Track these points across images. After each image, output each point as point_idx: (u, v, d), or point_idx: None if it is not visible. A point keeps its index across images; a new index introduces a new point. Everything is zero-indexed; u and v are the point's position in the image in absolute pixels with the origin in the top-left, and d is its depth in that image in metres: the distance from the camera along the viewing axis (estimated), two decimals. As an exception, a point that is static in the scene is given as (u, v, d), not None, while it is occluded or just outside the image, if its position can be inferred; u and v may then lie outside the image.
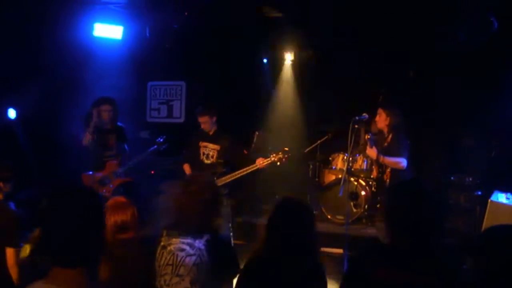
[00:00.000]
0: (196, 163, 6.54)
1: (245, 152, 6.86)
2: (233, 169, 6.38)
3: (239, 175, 6.32)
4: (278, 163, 6.19)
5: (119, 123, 6.85)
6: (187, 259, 3.04)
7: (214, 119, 6.50)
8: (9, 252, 3.81)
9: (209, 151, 6.52)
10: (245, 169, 6.24)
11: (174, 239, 3.13)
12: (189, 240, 3.08)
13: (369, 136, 6.19)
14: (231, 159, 6.46)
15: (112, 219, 3.32)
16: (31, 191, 3.83)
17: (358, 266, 2.73)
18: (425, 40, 8.56)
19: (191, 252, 3.05)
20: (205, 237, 3.09)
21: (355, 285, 2.68)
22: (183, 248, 3.07)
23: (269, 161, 6.16)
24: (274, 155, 6.18)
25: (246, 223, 8.14)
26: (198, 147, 6.58)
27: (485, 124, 8.01)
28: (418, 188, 2.72)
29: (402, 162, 5.82)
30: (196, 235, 3.09)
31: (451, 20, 7.53)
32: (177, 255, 3.07)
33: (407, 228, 2.60)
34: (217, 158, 6.47)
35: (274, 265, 2.91)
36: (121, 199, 3.54)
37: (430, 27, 8.18)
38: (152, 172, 8.49)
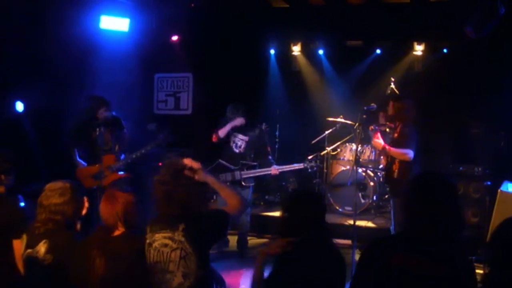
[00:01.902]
0: (227, 150, 6.80)
1: (269, 149, 7.01)
2: (261, 164, 6.79)
3: (261, 173, 6.75)
4: (310, 170, 6.83)
5: (113, 113, 6.66)
6: (173, 254, 2.97)
7: None
8: (17, 244, 3.79)
9: (238, 140, 6.79)
10: (264, 169, 6.71)
11: (156, 235, 3.06)
12: (169, 234, 3.01)
13: (372, 127, 6.16)
14: (256, 151, 6.81)
15: (100, 206, 3.28)
16: (38, 184, 3.80)
17: (373, 251, 2.71)
18: (432, 32, 8.53)
19: (174, 246, 2.98)
20: (181, 227, 3.00)
21: (370, 270, 2.67)
22: (166, 244, 3.00)
23: (301, 167, 6.73)
24: (308, 161, 6.74)
25: (254, 215, 8.12)
26: (230, 136, 6.80)
27: (494, 114, 7.96)
28: (442, 178, 2.71)
29: (409, 153, 5.77)
30: (173, 226, 3.01)
31: (457, 10, 7.48)
32: (162, 251, 3.01)
33: (427, 218, 2.58)
34: (244, 148, 6.76)
35: (298, 254, 2.91)
36: (115, 191, 3.46)
37: (436, 19, 8.15)
38: (160, 164, 8.45)
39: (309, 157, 6.86)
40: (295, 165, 6.76)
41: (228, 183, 6.57)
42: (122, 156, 6.59)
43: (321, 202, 3.16)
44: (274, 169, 6.64)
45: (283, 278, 2.90)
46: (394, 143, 5.98)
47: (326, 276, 2.84)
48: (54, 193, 3.50)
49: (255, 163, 6.75)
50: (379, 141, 6.04)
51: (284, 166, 6.77)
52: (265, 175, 6.80)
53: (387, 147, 5.94)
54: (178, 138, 7.15)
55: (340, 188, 8.25)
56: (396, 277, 2.55)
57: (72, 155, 6.59)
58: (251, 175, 6.68)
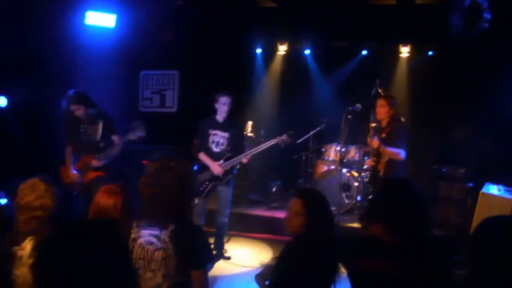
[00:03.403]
0: (205, 151, 6.59)
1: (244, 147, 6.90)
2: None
3: (235, 162, 6.50)
4: (282, 145, 6.53)
5: (102, 110, 6.33)
6: (156, 253, 2.96)
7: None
8: None
9: (219, 138, 6.60)
10: (239, 157, 6.45)
11: (143, 231, 3.04)
12: (156, 232, 2.98)
13: (373, 125, 6.17)
14: (237, 147, 6.59)
15: (98, 201, 3.29)
16: (21, 180, 3.76)
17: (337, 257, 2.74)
18: (418, 34, 8.59)
19: (159, 245, 2.96)
20: (170, 228, 2.98)
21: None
22: (152, 241, 2.98)
23: (273, 143, 6.48)
24: (278, 137, 6.50)
25: (238, 213, 8.15)
26: (208, 135, 6.62)
27: (478, 117, 8.03)
28: (404, 182, 2.75)
29: (401, 153, 5.83)
30: (162, 225, 2.99)
31: (443, 13, 7.54)
32: (147, 249, 2.99)
33: (393, 222, 2.61)
34: (226, 145, 6.56)
35: (305, 250, 2.93)
36: (113, 186, 3.47)
37: (422, 21, 8.21)
38: (144, 162, 8.40)
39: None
40: (267, 143, 6.52)
41: (208, 183, 6.53)
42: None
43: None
44: (245, 158, 6.44)
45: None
46: (383, 142, 6.01)
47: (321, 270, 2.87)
48: (26, 191, 3.47)
49: (230, 154, 6.52)
50: (375, 139, 6.05)
51: (255, 148, 6.50)
52: (237, 163, 6.53)
53: (382, 146, 5.96)
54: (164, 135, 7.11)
55: (324, 188, 8.26)
56: (370, 283, 2.57)
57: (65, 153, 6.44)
58: (230, 165, 6.47)
